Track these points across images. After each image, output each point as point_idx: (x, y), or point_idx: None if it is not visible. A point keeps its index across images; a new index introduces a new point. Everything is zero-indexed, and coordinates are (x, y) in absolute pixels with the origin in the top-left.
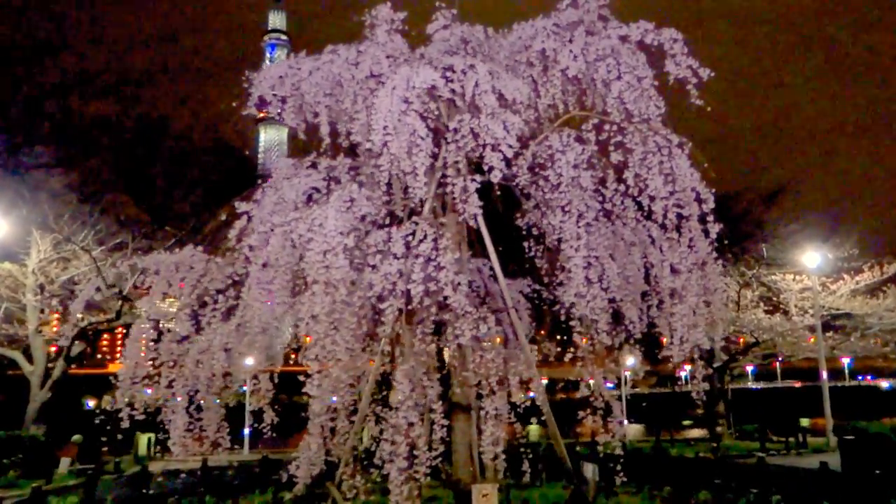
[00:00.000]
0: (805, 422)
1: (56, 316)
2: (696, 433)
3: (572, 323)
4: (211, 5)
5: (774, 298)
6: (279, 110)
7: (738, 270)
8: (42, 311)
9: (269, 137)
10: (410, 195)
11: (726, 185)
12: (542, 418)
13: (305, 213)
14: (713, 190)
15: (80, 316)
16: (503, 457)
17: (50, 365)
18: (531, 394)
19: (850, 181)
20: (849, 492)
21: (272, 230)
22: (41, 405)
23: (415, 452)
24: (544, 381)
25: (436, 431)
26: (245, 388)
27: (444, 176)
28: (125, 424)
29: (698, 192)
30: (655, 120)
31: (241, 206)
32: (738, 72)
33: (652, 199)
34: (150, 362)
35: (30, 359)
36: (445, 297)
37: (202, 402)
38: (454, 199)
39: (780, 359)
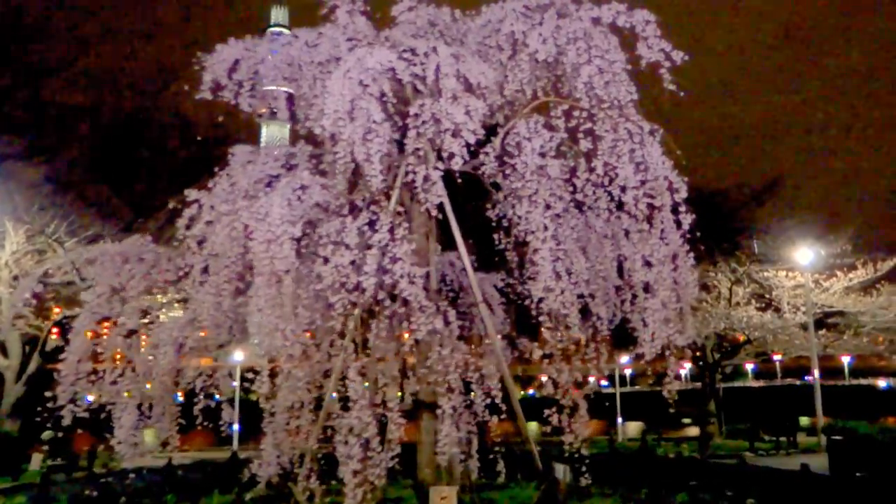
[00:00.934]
0: (805, 421)
1: (30, 309)
2: (694, 432)
3: (541, 318)
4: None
5: (767, 296)
6: (235, 94)
7: (730, 267)
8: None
9: (272, 133)
10: (370, 183)
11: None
12: (546, 416)
13: (252, 201)
14: (685, 179)
15: (56, 309)
16: (476, 456)
17: (25, 359)
18: (531, 391)
19: (845, 178)
20: (830, 494)
21: (219, 220)
22: (15, 400)
23: (369, 453)
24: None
25: (395, 431)
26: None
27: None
28: (66, 422)
29: (671, 181)
30: (627, 106)
31: (191, 195)
32: (733, 65)
33: (622, 188)
34: (95, 358)
35: (5, 353)
36: (400, 290)
37: (157, 397)
38: (416, 188)
39: (774, 357)
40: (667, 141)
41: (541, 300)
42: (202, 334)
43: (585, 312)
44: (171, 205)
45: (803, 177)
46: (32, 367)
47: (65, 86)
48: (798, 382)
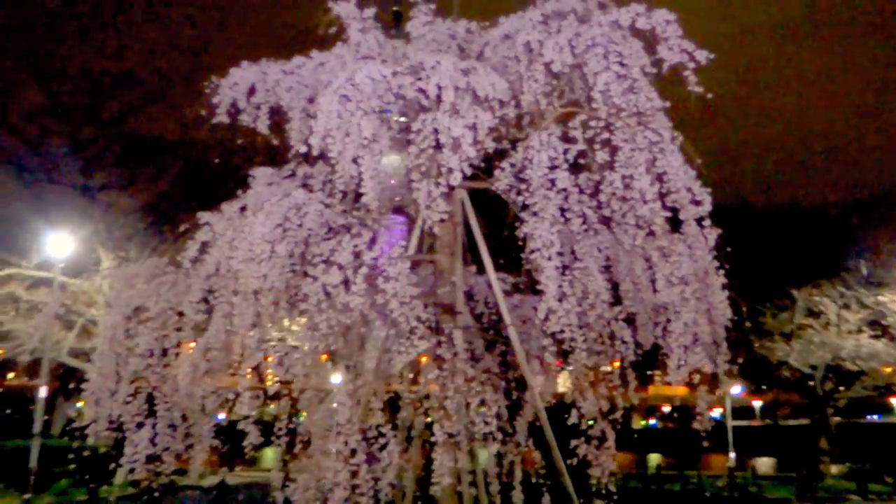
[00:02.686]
0: None
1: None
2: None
3: (545, 342)
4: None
5: (882, 322)
6: (253, 118)
7: (837, 291)
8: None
9: None
10: (367, 202)
11: (817, 194)
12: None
13: (237, 219)
14: (709, 190)
15: None
16: (519, 488)
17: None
18: (652, 421)
19: None
20: None
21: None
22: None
23: (356, 481)
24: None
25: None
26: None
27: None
28: (90, 440)
29: (693, 193)
30: (648, 113)
31: (202, 217)
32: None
33: (640, 201)
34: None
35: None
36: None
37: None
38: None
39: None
40: (686, 148)
41: (546, 321)
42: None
43: (612, 336)
44: (181, 227)
45: None
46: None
47: (151, 121)
48: None
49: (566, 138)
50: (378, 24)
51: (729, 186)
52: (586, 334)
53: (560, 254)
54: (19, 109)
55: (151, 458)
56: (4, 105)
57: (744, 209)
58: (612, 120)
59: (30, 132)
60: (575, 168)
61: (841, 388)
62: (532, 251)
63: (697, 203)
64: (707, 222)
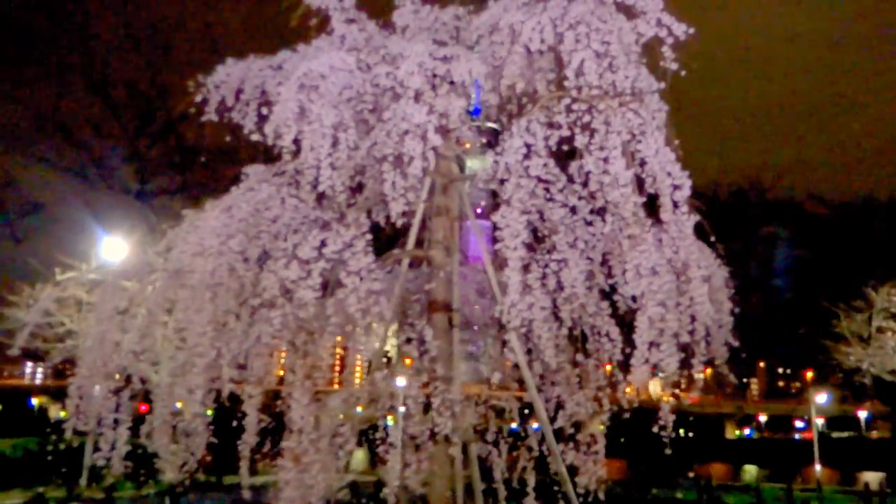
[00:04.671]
0: None
1: None
2: None
3: (506, 337)
4: None
5: None
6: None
7: None
8: None
9: (474, 166)
10: (333, 194)
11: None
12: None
13: (191, 215)
14: (688, 173)
15: None
16: (532, 494)
17: None
18: (747, 431)
19: None
20: None
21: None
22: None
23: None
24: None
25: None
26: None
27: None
28: (68, 434)
29: (673, 177)
30: (641, 95)
31: (186, 215)
32: None
33: (613, 186)
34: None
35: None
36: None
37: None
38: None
39: None
40: (670, 131)
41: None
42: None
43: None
44: (164, 226)
45: None
46: None
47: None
48: None
49: (551, 124)
50: (363, 13)
51: (800, 180)
52: (557, 331)
53: (530, 246)
54: (77, 118)
55: (149, 458)
56: (63, 114)
57: (814, 203)
58: (594, 102)
59: (87, 140)
60: (560, 155)
61: None
62: (497, 241)
63: (678, 188)
64: (685, 208)
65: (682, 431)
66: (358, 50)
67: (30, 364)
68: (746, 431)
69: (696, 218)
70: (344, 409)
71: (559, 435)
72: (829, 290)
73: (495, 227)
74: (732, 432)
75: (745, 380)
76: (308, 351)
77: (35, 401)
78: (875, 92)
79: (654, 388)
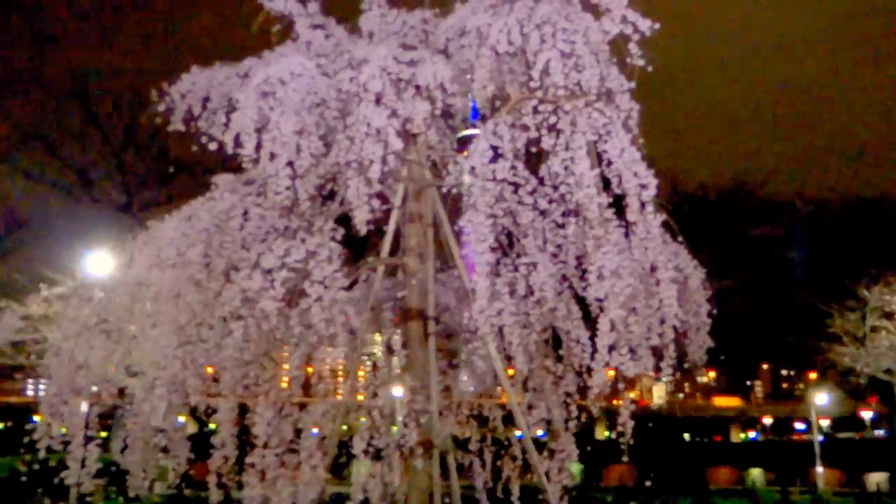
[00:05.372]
0: None
1: None
2: None
3: (477, 343)
4: None
5: None
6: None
7: None
8: None
9: None
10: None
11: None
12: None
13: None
14: (653, 171)
15: None
16: None
17: None
18: (753, 434)
19: None
20: None
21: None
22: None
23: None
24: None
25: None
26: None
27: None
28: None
29: (639, 177)
30: (609, 95)
31: (150, 224)
32: None
33: (577, 187)
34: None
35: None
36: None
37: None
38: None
39: None
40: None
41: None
42: None
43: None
44: (130, 237)
45: None
46: None
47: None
48: None
49: (519, 126)
50: (331, 18)
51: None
52: (526, 337)
53: (501, 249)
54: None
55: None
56: (48, 126)
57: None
58: (560, 102)
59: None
60: (530, 157)
61: None
62: (464, 246)
63: (644, 188)
64: (650, 208)
65: (687, 436)
66: (324, 56)
67: (31, 381)
68: (752, 434)
69: (662, 217)
70: (324, 421)
71: (777, 446)
72: (822, 289)
73: (461, 232)
74: (737, 435)
75: (748, 382)
76: (275, 362)
77: (37, 418)
78: (867, 90)
79: (658, 392)
